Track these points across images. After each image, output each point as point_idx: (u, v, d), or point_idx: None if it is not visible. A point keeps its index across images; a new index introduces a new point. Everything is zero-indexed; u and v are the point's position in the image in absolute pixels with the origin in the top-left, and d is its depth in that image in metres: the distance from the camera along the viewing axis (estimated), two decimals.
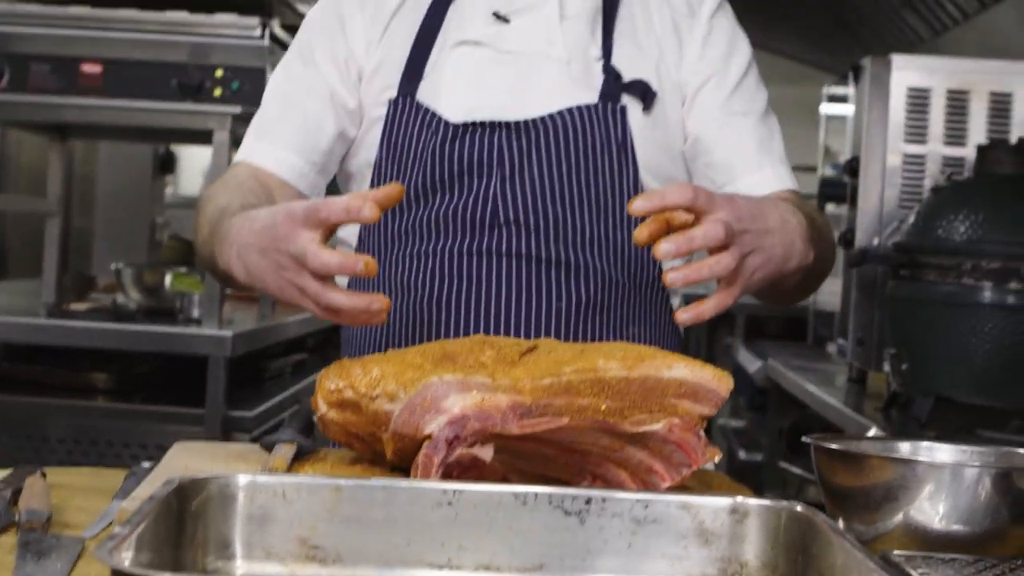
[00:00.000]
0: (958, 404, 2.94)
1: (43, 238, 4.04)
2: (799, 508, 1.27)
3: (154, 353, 3.73)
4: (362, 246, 2.11)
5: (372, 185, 2.10)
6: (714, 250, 1.60)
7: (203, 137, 3.87)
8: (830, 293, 4.29)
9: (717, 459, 1.52)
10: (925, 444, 1.66)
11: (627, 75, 2.09)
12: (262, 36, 3.64)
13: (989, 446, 1.76)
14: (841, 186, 3.95)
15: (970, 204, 3.05)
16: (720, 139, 2.13)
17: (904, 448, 1.64)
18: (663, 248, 1.54)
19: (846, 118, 4.04)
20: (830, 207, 4.28)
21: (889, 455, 1.57)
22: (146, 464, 1.67)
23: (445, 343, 1.59)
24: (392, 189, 1.59)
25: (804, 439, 1.63)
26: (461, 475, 1.45)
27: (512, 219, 2.02)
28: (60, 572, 1.28)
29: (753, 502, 1.29)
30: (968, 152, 3.46)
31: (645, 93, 2.08)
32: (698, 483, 1.58)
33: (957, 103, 3.60)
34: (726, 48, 2.18)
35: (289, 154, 2.09)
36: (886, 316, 3.36)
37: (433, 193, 2.05)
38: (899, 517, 1.48)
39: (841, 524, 1.53)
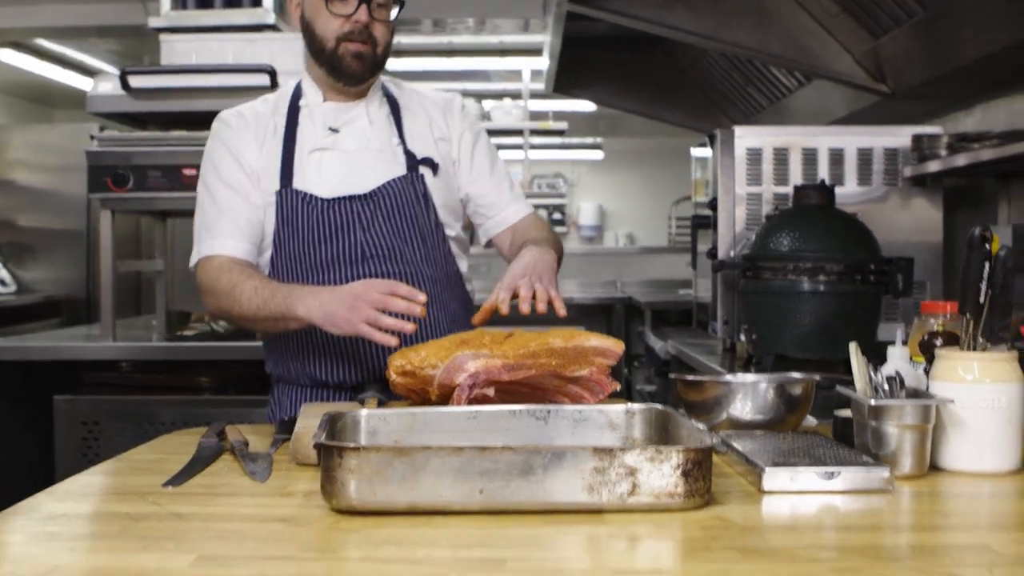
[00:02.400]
0: (790, 358, 3.09)
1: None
2: (662, 407, 1.70)
3: (242, 361, 3.78)
4: (277, 275, 2.34)
5: (277, 246, 2.34)
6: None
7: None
8: (704, 289, 4.47)
9: (617, 388, 1.97)
10: (740, 374, 1.97)
11: (418, 154, 2.41)
12: None
13: (778, 373, 2.06)
14: (707, 217, 4.04)
15: (791, 226, 3.26)
16: (483, 193, 2.52)
17: (727, 376, 1.95)
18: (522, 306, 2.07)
19: (707, 159, 4.31)
20: (701, 231, 4.20)
21: (715, 380, 1.93)
22: (286, 419, 1.99)
23: (460, 335, 1.98)
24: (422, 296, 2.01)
25: (670, 375, 2.12)
26: (478, 404, 1.83)
27: (372, 254, 2.32)
28: (266, 468, 1.66)
29: (638, 406, 1.72)
30: (789, 190, 3.56)
31: (433, 164, 2.42)
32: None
33: (780, 156, 3.80)
34: (472, 138, 2.51)
35: (242, 243, 2.33)
36: (741, 303, 3.54)
37: (320, 244, 2.31)
38: (724, 415, 1.89)
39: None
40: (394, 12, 2.38)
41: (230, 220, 2.34)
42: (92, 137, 3.83)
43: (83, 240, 6.67)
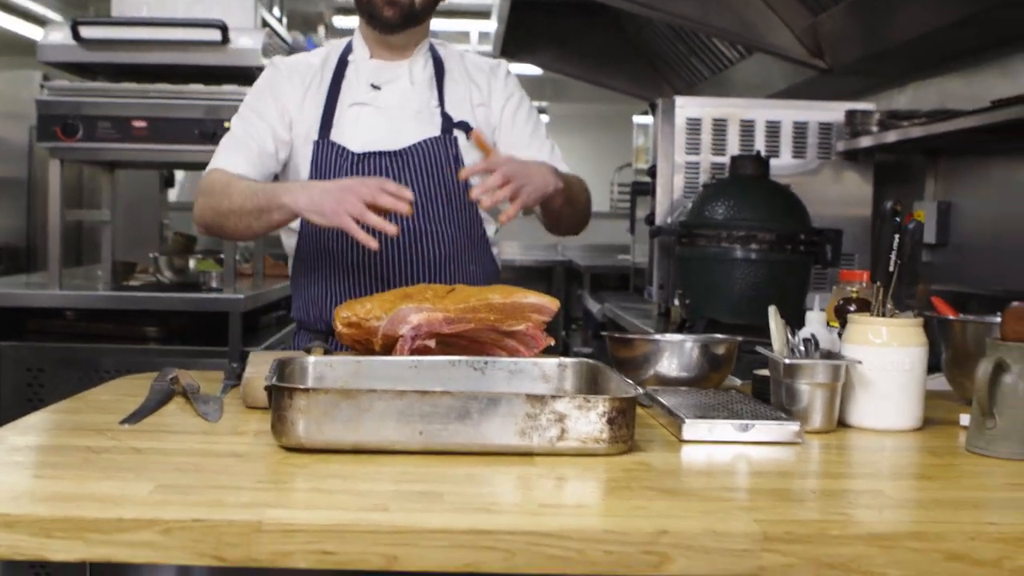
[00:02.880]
0: (721, 323, 3.16)
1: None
2: (592, 361, 1.81)
3: (188, 312, 3.86)
4: (304, 228, 2.42)
5: None
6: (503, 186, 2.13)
7: None
8: (641, 255, 4.49)
9: (552, 343, 2.08)
10: (669, 335, 2.11)
11: (455, 117, 2.47)
12: None
13: (704, 334, 2.22)
14: (646, 184, 4.18)
15: (726, 195, 3.36)
16: (524, 158, 2.47)
17: (656, 336, 2.07)
18: (475, 192, 2.12)
19: (648, 127, 4.39)
20: (640, 198, 4.41)
21: (644, 338, 2.05)
22: (234, 366, 2.07)
23: (404, 289, 2.05)
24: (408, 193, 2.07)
25: (602, 333, 2.23)
26: (419, 354, 1.91)
27: None
28: (217, 409, 1.75)
29: (569, 360, 1.84)
30: (726, 160, 3.70)
31: (467, 128, 2.47)
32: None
33: (719, 127, 3.92)
34: (515, 104, 2.56)
35: (253, 169, 2.39)
36: (676, 269, 3.61)
37: None
38: (651, 371, 2.00)
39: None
40: None
41: (246, 144, 2.43)
42: (42, 86, 3.86)
43: (24, 188, 6.64)
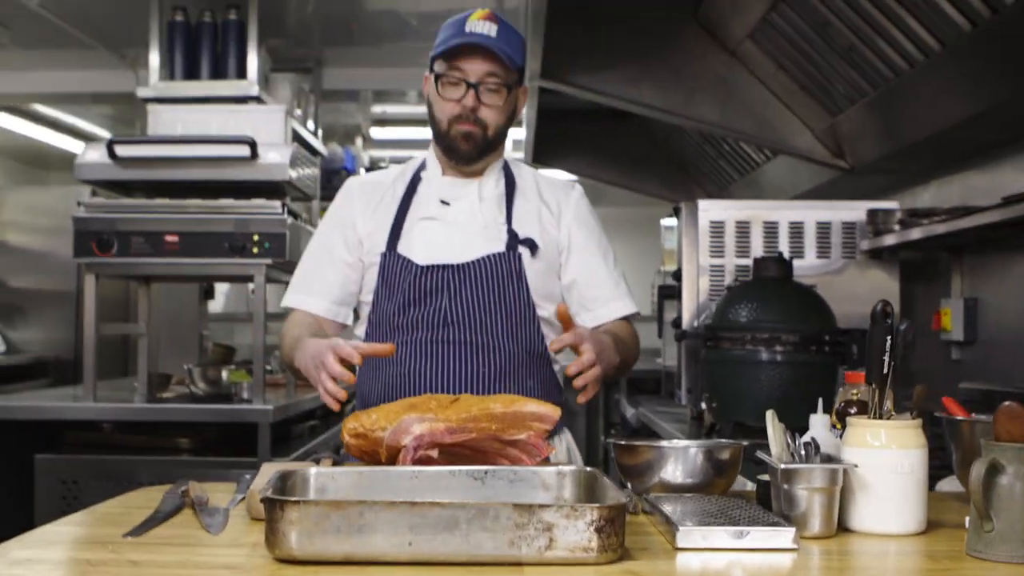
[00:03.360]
0: (749, 426, 3.16)
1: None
2: (590, 469, 1.82)
3: (219, 423, 3.96)
4: (370, 337, 2.53)
5: (375, 304, 2.53)
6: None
7: (245, 279, 4.21)
8: (671, 358, 4.52)
9: (554, 451, 2.11)
10: (674, 441, 2.05)
11: (522, 234, 2.52)
12: (282, 212, 3.94)
13: (712, 439, 2.28)
14: (673, 287, 4.20)
15: (750, 297, 3.37)
16: (591, 283, 2.59)
17: (660, 442, 2.02)
18: (572, 370, 2.18)
19: (674, 227, 4.43)
20: (667, 302, 4.51)
21: (647, 444, 2.01)
22: (247, 476, 2.10)
23: (410, 399, 2.09)
24: (382, 348, 2.18)
25: (608, 440, 2.23)
26: (422, 465, 1.93)
27: (454, 321, 2.44)
28: (222, 522, 1.77)
29: (567, 468, 1.84)
30: (750, 262, 3.70)
31: (532, 245, 2.52)
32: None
33: (742, 229, 3.96)
34: (584, 228, 2.62)
35: (322, 301, 2.57)
36: (702, 372, 3.59)
37: (410, 307, 2.45)
38: (656, 478, 1.97)
39: (625, 483, 2.00)
40: (503, 97, 2.49)
41: (314, 280, 2.60)
42: (79, 203, 3.98)
43: (72, 302, 6.78)
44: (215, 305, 7.28)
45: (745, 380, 3.32)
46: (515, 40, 2.50)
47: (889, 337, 1.80)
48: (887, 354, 1.80)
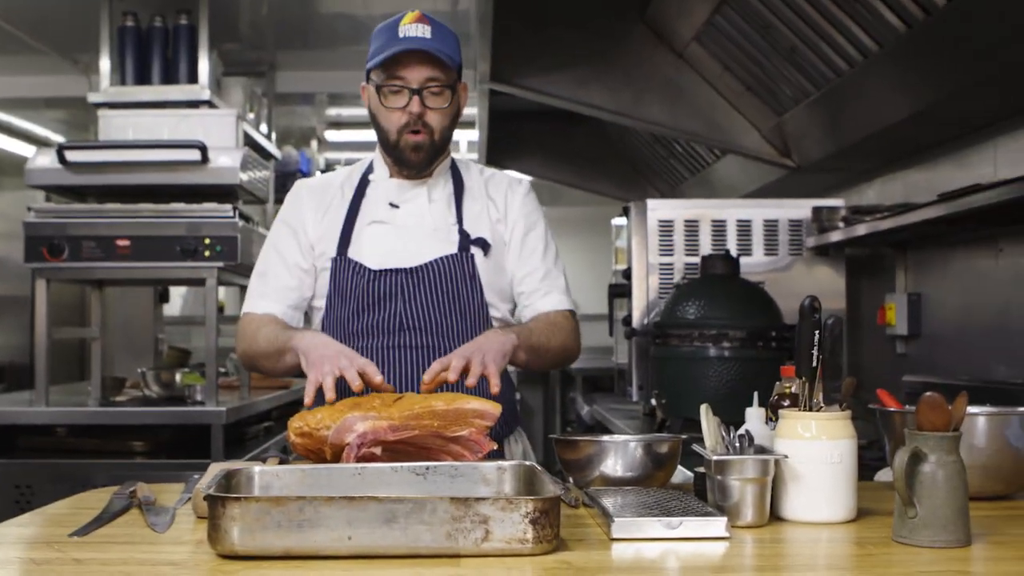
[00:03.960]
0: (698, 421, 3.34)
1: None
2: (529, 464, 1.86)
3: (172, 426, 3.96)
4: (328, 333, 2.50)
5: (328, 310, 2.53)
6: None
7: (198, 282, 4.17)
8: (623, 356, 4.45)
9: (495, 447, 2.14)
10: (615, 436, 2.10)
11: (473, 234, 2.54)
12: (233, 216, 3.96)
13: (653, 434, 2.27)
14: (623, 286, 4.24)
15: (697, 295, 3.42)
16: (525, 278, 2.60)
17: (603, 437, 2.08)
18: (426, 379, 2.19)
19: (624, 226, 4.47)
20: (618, 300, 4.56)
21: (588, 439, 2.06)
22: (196, 476, 2.07)
23: (354, 398, 2.10)
24: (381, 382, 2.19)
25: (550, 436, 2.27)
26: (365, 462, 1.96)
27: (410, 325, 2.46)
28: (168, 520, 1.79)
29: (508, 464, 1.88)
30: (698, 260, 3.72)
31: (484, 245, 2.54)
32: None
33: (691, 228, 4.00)
34: (527, 223, 2.63)
35: (279, 305, 2.55)
36: (652, 369, 3.64)
37: (364, 312, 2.46)
38: (597, 472, 2.01)
39: (567, 477, 2.03)
40: (447, 99, 2.48)
41: (271, 284, 2.59)
42: (29, 208, 3.98)
43: (27, 306, 6.75)
44: (172, 308, 7.27)
45: (693, 376, 3.37)
46: (450, 38, 2.49)
47: (817, 331, 1.85)
48: (815, 348, 1.85)
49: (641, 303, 4.04)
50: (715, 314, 3.37)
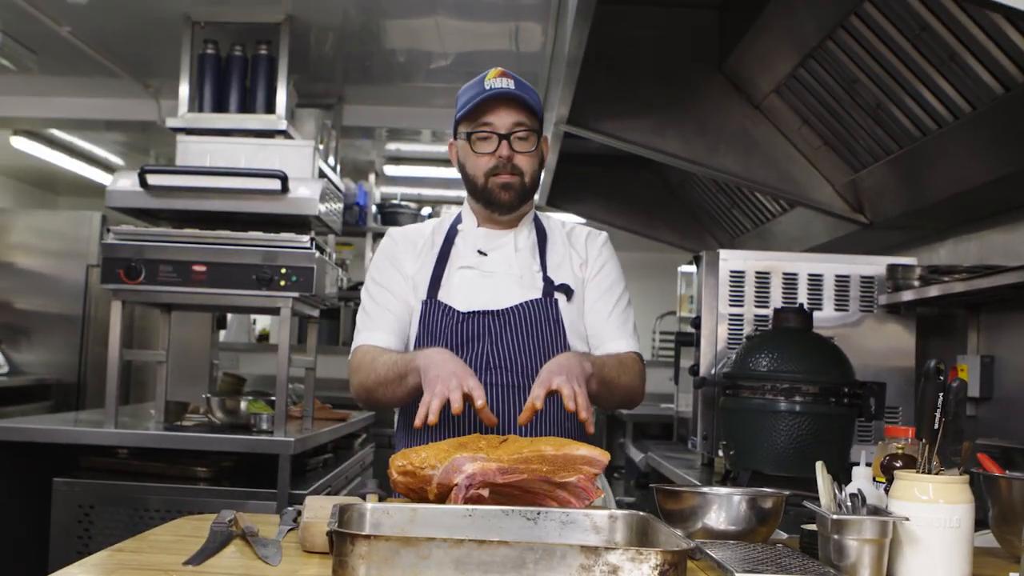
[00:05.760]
0: (765, 475, 3.16)
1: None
2: (643, 514, 1.83)
3: (237, 454, 3.95)
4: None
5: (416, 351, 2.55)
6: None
7: (272, 311, 4.16)
8: (686, 404, 4.55)
9: (603, 496, 2.13)
10: (716, 488, 2.10)
11: (556, 280, 2.64)
12: (310, 246, 3.96)
13: (750, 487, 2.24)
14: (690, 334, 4.15)
15: (770, 347, 3.35)
16: (596, 322, 2.66)
17: (704, 488, 2.08)
18: (569, 405, 2.21)
19: (692, 275, 4.49)
20: (684, 348, 4.40)
21: (692, 490, 2.06)
22: (290, 509, 2.10)
23: (458, 439, 2.11)
24: (489, 416, 2.22)
25: (651, 485, 2.25)
26: (473, 503, 1.94)
27: (496, 364, 2.53)
28: (277, 552, 1.78)
29: (620, 512, 1.86)
30: (769, 312, 3.70)
31: (568, 291, 2.63)
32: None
33: (762, 279, 3.95)
34: (607, 276, 2.71)
35: (391, 336, 2.60)
36: (719, 420, 3.57)
37: (453, 352, 2.46)
38: (699, 524, 2.01)
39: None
40: (534, 143, 2.60)
41: (382, 317, 2.64)
42: (108, 230, 3.98)
43: (78, 326, 6.79)
44: (224, 335, 7.31)
45: (762, 429, 3.31)
46: (532, 91, 2.62)
47: (941, 393, 1.82)
48: (939, 410, 1.82)
49: (709, 352, 3.99)
50: (787, 367, 3.31)
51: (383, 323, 2.63)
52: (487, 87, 2.54)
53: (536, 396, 2.23)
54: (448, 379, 2.22)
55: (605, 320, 2.68)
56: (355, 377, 2.60)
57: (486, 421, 2.22)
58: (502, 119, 2.55)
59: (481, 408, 2.19)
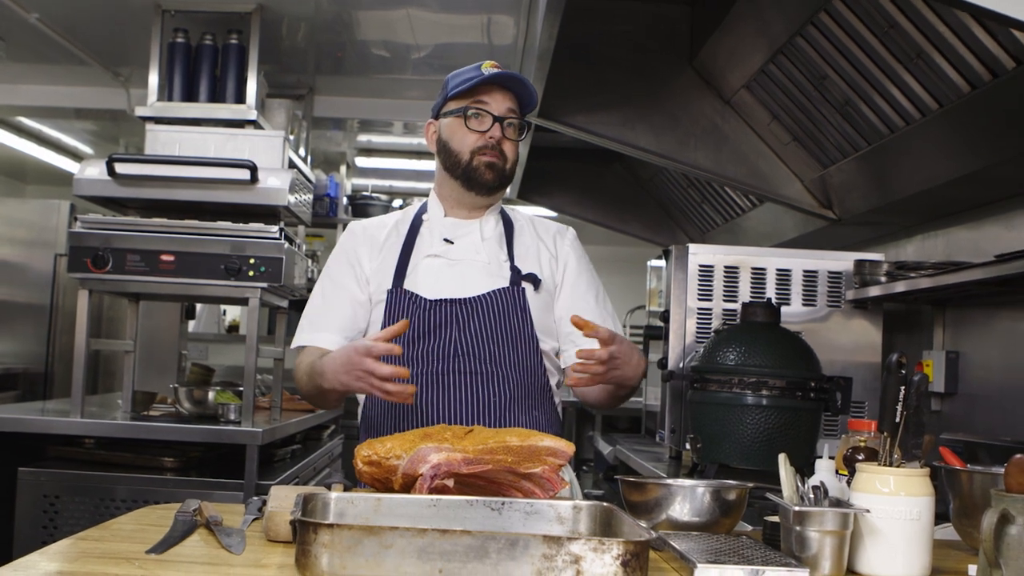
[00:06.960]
0: (732, 468, 3.20)
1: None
2: (606, 505, 1.84)
3: (204, 444, 3.95)
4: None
5: None
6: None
7: (240, 301, 4.15)
8: (654, 398, 4.49)
9: (567, 486, 2.14)
10: (681, 480, 2.08)
11: (524, 270, 2.66)
12: (279, 237, 3.96)
13: (716, 480, 2.22)
14: (659, 328, 4.16)
15: (738, 341, 3.37)
16: (591, 319, 2.58)
17: (668, 480, 2.05)
18: (572, 378, 2.35)
19: (661, 270, 4.52)
20: (653, 343, 4.35)
21: (657, 482, 2.05)
22: (255, 499, 2.11)
23: (424, 429, 2.11)
24: (399, 325, 2.26)
25: (615, 477, 2.26)
26: (438, 494, 1.96)
27: (464, 352, 2.54)
28: (240, 541, 1.78)
29: (584, 503, 1.87)
30: (738, 306, 3.74)
31: (535, 280, 2.66)
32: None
33: (731, 274, 3.96)
34: (578, 266, 2.74)
35: (335, 336, 2.60)
36: (687, 413, 3.58)
37: (419, 340, 2.53)
38: (664, 515, 2.01)
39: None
40: (521, 134, 2.67)
41: (328, 316, 2.66)
42: (75, 218, 3.96)
43: (46, 315, 6.74)
44: (192, 325, 7.27)
45: (730, 423, 3.33)
46: (532, 88, 2.68)
47: (903, 387, 1.84)
48: (900, 403, 1.84)
49: (678, 346, 4.01)
50: (755, 362, 3.33)
51: (328, 323, 2.65)
52: (485, 72, 2.60)
53: (599, 356, 2.31)
54: (357, 382, 2.31)
55: (590, 315, 2.58)
56: (297, 379, 2.64)
57: (402, 329, 2.32)
58: (498, 102, 2.61)
59: (391, 338, 2.30)
